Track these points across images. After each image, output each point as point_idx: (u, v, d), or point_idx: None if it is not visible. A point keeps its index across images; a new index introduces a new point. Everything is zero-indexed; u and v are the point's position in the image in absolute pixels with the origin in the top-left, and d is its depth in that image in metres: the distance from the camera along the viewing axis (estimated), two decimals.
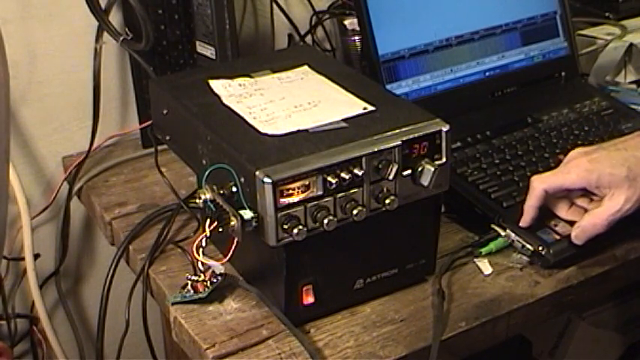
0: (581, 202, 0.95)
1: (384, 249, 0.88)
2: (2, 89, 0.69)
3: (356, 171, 0.79)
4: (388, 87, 1.09)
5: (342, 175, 0.79)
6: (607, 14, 1.45)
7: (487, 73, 1.18)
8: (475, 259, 0.96)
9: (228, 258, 0.85)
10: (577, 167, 0.91)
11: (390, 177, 0.81)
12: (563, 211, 0.95)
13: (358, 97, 0.90)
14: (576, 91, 1.24)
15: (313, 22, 1.36)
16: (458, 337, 0.86)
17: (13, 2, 1.14)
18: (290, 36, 1.36)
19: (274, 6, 1.32)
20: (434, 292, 0.90)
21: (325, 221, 0.79)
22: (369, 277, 0.88)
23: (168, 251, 0.99)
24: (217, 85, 0.93)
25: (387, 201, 0.82)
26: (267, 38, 1.35)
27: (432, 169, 0.83)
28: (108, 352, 1.08)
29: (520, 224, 0.95)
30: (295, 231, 0.78)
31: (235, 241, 0.82)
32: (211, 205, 0.82)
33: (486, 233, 0.98)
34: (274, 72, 0.97)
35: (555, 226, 0.96)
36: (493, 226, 0.98)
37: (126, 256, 1.02)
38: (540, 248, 0.94)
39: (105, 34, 1.17)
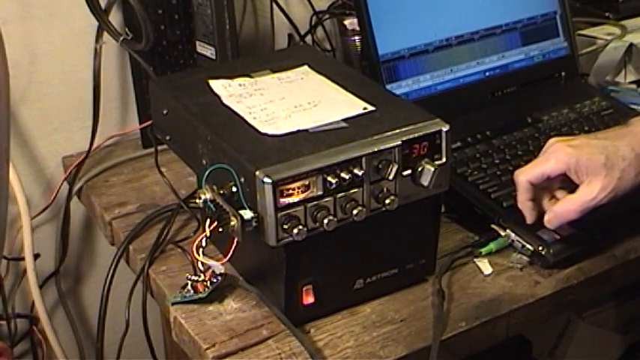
0: (560, 194, 0.94)
1: (384, 249, 0.88)
2: (2, 89, 0.69)
3: (356, 171, 0.79)
4: (388, 87, 1.09)
5: (342, 175, 0.79)
6: (607, 14, 1.45)
7: (487, 73, 1.18)
8: (475, 259, 0.96)
9: (228, 258, 0.85)
10: (556, 152, 0.91)
11: (390, 177, 0.81)
12: (544, 202, 0.95)
13: (358, 97, 0.90)
14: (576, 91, 1.24)
15: (313, 22, 1.36)
16: (458, 337, 0.86)
17: (13, 2, 1.14)
18: (290, 36, 1.36)
19: (274, 6, 1.32)
20: (434, 292, 0.90)
21: (325, 221, 0.79)
22: (369, 277, 0.88)
23: (168, 251, 0.99)
24: (217, 85, 0.93)
25: (387, 201, 0.82)
26: (267, 38, 1.35)
27: (432, 169, 0.83)
28: (108, 352, 1.08)
29: (527, 223, 0.94)
30: (295, 231, 0.78)
31: (235, 241, 0.82)
32: (211, 205, 0.82)
33: (486, 233, 0.98)
34: (274, 72, 0.97)
35: None
36: (493, 226, 0.98)
37: (126, 256, 1.02)
38: (540, 248, 0.94)
39: (105, 34, 1.17)
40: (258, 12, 1.34)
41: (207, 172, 0.83)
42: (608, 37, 1.35)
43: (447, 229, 1.01)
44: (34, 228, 1.20)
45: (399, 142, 0.81)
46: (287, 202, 0.77)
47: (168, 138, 0.97)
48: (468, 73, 1.17)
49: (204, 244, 0.84)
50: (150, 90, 0.98)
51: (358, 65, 1.26)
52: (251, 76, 0.96)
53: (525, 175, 0.92)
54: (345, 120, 0.85)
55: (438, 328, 0.85)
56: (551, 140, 0.93)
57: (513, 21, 1.20)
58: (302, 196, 0.78)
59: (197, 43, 1.19)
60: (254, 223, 0.79)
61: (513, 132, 1.12)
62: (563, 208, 0.91)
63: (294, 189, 0.77)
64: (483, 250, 0.97)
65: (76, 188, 1.17)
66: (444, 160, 0.84)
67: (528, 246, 0.95)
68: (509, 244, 0.97)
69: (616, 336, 1.49)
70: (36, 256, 1.19)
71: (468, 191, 1.02)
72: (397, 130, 0.83)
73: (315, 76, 0.96)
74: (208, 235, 0.82)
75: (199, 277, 0.88)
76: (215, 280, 0.88)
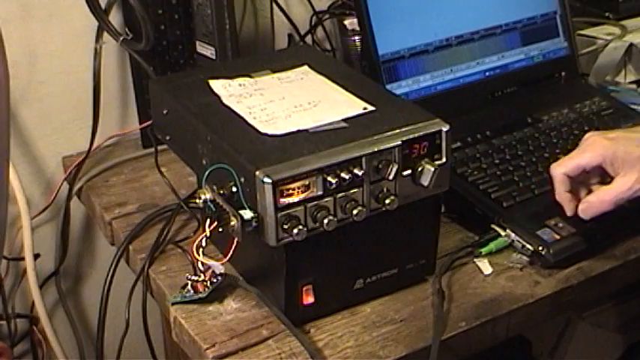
0: (597, 187, 0.94)
1: (384, 249, 0.88)
2: (2, 89, 0.69)
3: (356, 171, 0.79)
4: (388, 87, 1.09)
5: (342, 175, 0.79)
6: (607, 14, 1.45)
7: (487, 73, 1.18)
8: (475, 259, 0.96)
9: (228, 258, 0.85)
10: (593, 145, 0.91)
11: (390, 177, 0.81)
12: (581, 196, 0.94)
13: (358, 97, 0.90)
14: (576, 91, 1.24)
15: (313, 22, 1.36)
16: (458, 337, 0.86)
17: (13, 2, 1.14)
18: (290, 36, 1.36)
19: (274, 6, 1.32)
20: (434, 292, 0.90)
21: (325, 221, 0.79)
22: (369, 277, 0.88)
23: (168, 251, 0.99)
24: (217, 85, 0.93)
25: (387, 201, 0.82)
26: (267, 38, 1.35)
27: (432, 169, 0.83)
28: (108, 352, 1.08)
29: (567, 215, 0.94)
30: (295, 231, 0.78)
31: (235, 241, 0.82)
32: (211, 205, 0.82)
33: (486, 233, 0.98)
34: (274, 72, 0.97)
35: (555, 226, 0.96)
36: (493, 226, 0.98)
37: (126, 256, 1.02)
38: (540, 248, 0.94)
39: (105, 34, 1.17)
40: (258, 12, 1.33)
41: (207, 172, 0.83)
42: (608, 37, 1.35)
43: (447, 229, 1.01)
44: (34, 228, 1.20)
45: (399, 142, 0.81)
46: (287, 202, 0.77)
47: (168, 138, 0.96)
48: (468, 73, 1.17)
49: (204, 244, 0.84)
50: (150, 90, 0.98)
51: (358, 65, 1.26)
52: (251, 76, 0.96)
53: (561, 168, 0.92)
54: (345, 120, 0.85)
55: (438, 328, 0.85)
56: (588, 134, 0.94)
57: (513, 21, 1.20)
58: (302, 196, 0.78)
59: (197, 43, 1.19)
60: (254, 223, 0.79)
61: (513, 132, 1.12)
62: (597, 198, 0.91)
63: (294, 189, 0.77)
64: (483, 250, 0.97)
65: (76, 188, 1.17)
66: (444, 160, 0.84)
67: (528, 246, 0.95)
68: (509, 244, 0.97)
69: (616, 336, 1.49)
70: (36, 256, 1.19)
71: (468, 191, 1.02)
72: (397, 130, 0.83)
73: (315, 76, 0.96)
74: (208, 235, 0.82)
75: (199, 277, 0.88)
76: (215, 280, 0.88)
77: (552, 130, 1.13)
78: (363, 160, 0.80)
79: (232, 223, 0.79)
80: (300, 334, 0.84)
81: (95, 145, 1.19)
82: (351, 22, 1.27)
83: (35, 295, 1.19)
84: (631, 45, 1.32)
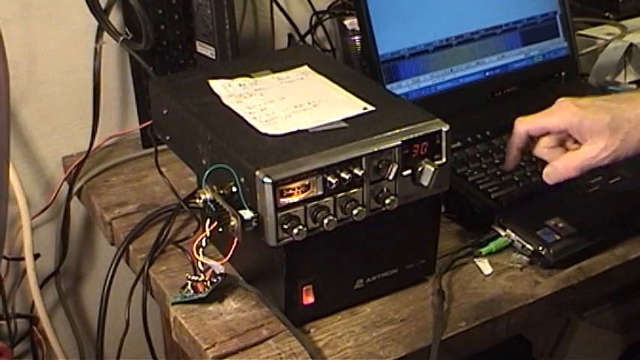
0: (574, 147, 0.92)
1: (384, 249, 0.88)
2: (2, 89, 0.69)
3: (356, 171, 0.79)
4: (388, 87, 1.09)
5: (342, 175, 0.79)
6: (607, 14, 1.45)
7: (487, 73, 1.18)
8: (475, 259, 0.96)
9: (228, 258, 0.85)
10: (561, 109, 0.91)
11: (390, 177, 0.81)
12: (541, 147, 0.93)
13: (358, 97, 0.90)
14: (576, 91, 1.23)
15: (313, 22, 1.36)
16: (458, 337, 0.86)
17: (13, 2, 1.14)
18: (290, 36, 1.36)
19: (274, 6, 1.32)
20: (434, 292, 0.90)
21: (325, 221, 0.79)
22: (369, 277, 0.88)
23: (168, 251, 0.99)
24: (217, 85, 0.93)
25: (387, 201, 0.82)
26: (267, 38, 1.35)
27: (432, 169, 0.83)
28: (108, 352, 1.08)
29: (504, 167, 0.95)
30: (295, 231, 0.78)
31: (235, 241, 0.82)
32: (211, 205, 0.82)
33: (486, 233, 0.98)
34: (274, 72, 0.97)
35: (555, 226, 0.96)
36: (493, 226, 0.98)
37: (126, 256, 1.02)
38: (540, 248, 0.94)
39: (105, 34, 1.17)
40: (258, 12, 1.34)
41: (207, 172, 0.83)
42: (608, 37, 1.35)
43: (447, 229, 1.01)
44: (34, 228, 1.20)
45: (399, 142, 0.81)
46: (287, 202, 0.77)
47: (168, 138, 0.96)
48: (467, 73, 1.17)
49: (204, 244, 0.84)
50: (150, 90, 0.98)
51: (358, 65, 1.26)
52: (251, 76, 0.96)
53: (525, 125, 0.92)
54: (345, 120, 0.85)
55: (438, 328, 0.85)
56: (560, 99, 0.93)
57: (513, 21, 1.20)
58: (302, 196, 0.78)
59: (197, 43, 1.19)
60: (254, 223, 0.79)
61: None
62: (563, 164, 0.90)
63: (294, 189, 0.77)
64: (483, 250, 0.97)
65: (76, 188, 1.17)
66: (444, 160, 0.84)
67: (528, 246, 0.95)
68: (509, 244, 0.97)
69: (616, 336, 1.49)
70: (36, 256, 1.19)
71: (468, 191, 1.02)
72: (397, 130, 0.83)
73: (315, 76, 0.96)
74: (208, 235, 0.82)
75: (199, 277, 0.88)
76: (215, 280, 0.88)
77: None
78: (363, 160, 0.80)
79: (232, 223, 0.79)
80: (300, 334, 0.84)
81: (95, 145, 1.19)
82: (351, 22, 1.27)
83: (35, 295, 1.19)
84: (631, 45, 1.32)
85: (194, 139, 0.88)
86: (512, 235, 0.96)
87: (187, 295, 0.88)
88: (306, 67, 0.98)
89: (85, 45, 1.18)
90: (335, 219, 0.79)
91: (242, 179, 0.79)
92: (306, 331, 0.86)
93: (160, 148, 1.10)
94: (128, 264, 1.03)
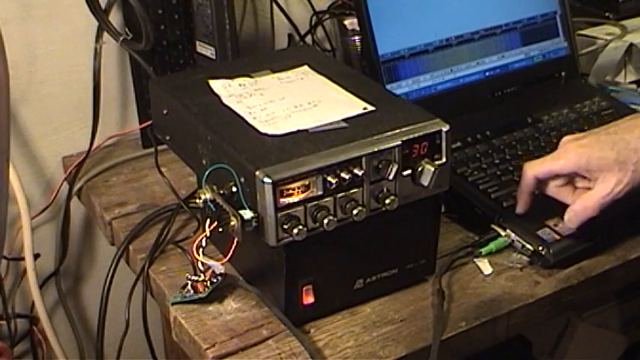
0: (582, 183, 0.94)
1: (384, 249, 0.88)
2: (2, 89, 0.68)
3: (356, 171, 0.79)
4: (388, 87, 1.09)
5: (342, 175, 0.79)
6: (607, 14, 1.45)
7: (487, 73, 1.18)
8: (475, 259, 0.96)
9: (228, 258, 0.85)
10: (566, 152, 0.91)
11: (390, 177, 0.81)
12: (551, 187, 0.94)
13: (358, 97, 0.90)
14: (576, 91, 1.24)
15: (313, 22, 1.36)
16: (458, 337, 0.86)
17: (13, 2, 1.14)
18: (290, 36, 1.36)
19: (274, 6, 1.32)
20: (434, 292, 0.90)
21: (325, 221, 0.79)
22: (369, 277, 0.88)
23: (168, 251, 0.99)
24: (217, 85, 0.93)
25: (387, 201, 0.82)
26: (267, 38, 1.35)
27: (432, 169, 0.83)
28: (108, 352, 1.08)
29: (516, 211, 0.95)
30: (295, 231, 0.78)
31: (235, 241, 0.82)
32: (211, 205, 0.82)
33: (486, 233, 0.98)
34: (274, 72, 0.97)
35: (555, 226, 0.96)
36: (493, 226, 0.98)
37: (126, 256, 1.02)
38: (540, 248, 0.94)
39: (105, 34, 1.17)
40: (258, 12, 1.34)
41: (207, 172, 0.83)
42: (608, 37, 1.35)
43: (447, 229, 1.01)
44: (34, 228, 1.20)
45: (399, 142, 0.81)
46: (287, 202, 0.77)
47: (168, 138, 0.97)
48: (467, 73, 1.17)
49: (204, 244, 0.84)
50: (150, 90, 0.98)
51: (358, 65, 1.26)
52: (251, 76, 0.96)
53: (533, 171, 0.93)
54: (345, 120, 0.85)
55: (438, 328, 0.85)
56: (564, 139, 0.94)
57: (513, 21, 1.20)
58: (302, 196, 0.78)
59: (197, 43, 1.19)
60: (254, 223, 0.79)
61: (513, 132, 1.12)
62: (580, 206, 0.91)
63: (294, 189, 0.77)
64: (483, 250, 0.97)
65: (76, 188, 1.17)
66: (444, 160, 0.84)
67: (528, 246, 0.95)
68: (509, 244, 0.97)
69: (616, 336, 1.49)
70: (36, 256, 1.19)
71: (468, 191, 1.02)
72: (397, 130, 0.83)
73: (315, 76, 0.96)
74: (208, 235, 0.82)
75: (199, 277, 0.88)
76: (215, 280, 0.88)
77: (552, 130, 1.13)
78: (363, 160, 0.80)
79: (232, 223, 0.79)
80: (300, 334, 0.84)
81: (95, 145, 1.19)
82: (351, 22, 1.27)
83: (35, 295, 1.19)
84: (631, 45, 1.32)
85: (194, 139, 0.88)
86: (512, 235, 0.96)
87: (187, 295, 0.88)
88: (306, 67, 0.98)
89: (85, 45, 1.18)
90: (335, 219, 0.79)
91: (242, 179, 0.79)
92: (306, 331, 0.86)
93: (160, 148, 1.10)
94: (128, 264, 1.03)
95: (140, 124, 1.23)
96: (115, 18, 1.19)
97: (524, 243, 0.95)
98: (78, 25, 1.18)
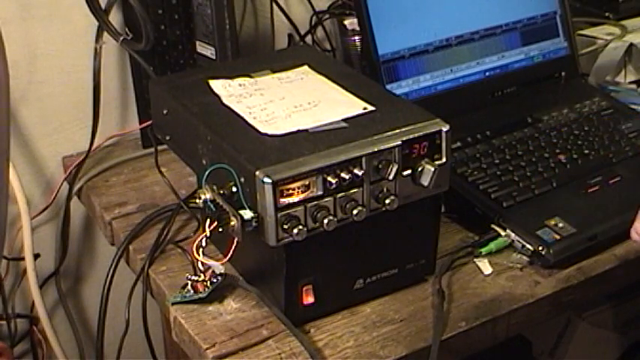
0: None
1: (384, 249, 0.88)
2: (2, 89, 0.68)
3: (356, 171, 0.79)
4: (388, 87, 1.09)
5: (342, 175, 0.79)
6: (607, 14, 1.45)
7: (487, 73, 1.18)
8: (475, 259, 0.96)
9: (228, 258, 0.85)
10: None
11: (390, 177, 0.81)
12: None
13: (358, 97, 0.90)
14: (576, 91, 1.24)
15: (313, 22, 1.36)
16: (458, 337, 0.86)
17: (13, 2, 1.14)
18: (290, 36, 1.36)
19: (274, 6, 1.32)
20: (434, 292, 0.90)
21: (325, 221, 0.79)
22: (369, 277, 0.88)
23: (168, 251, 0.99)
24: (217, 85, 0.93)
25: (387, 201, 0.82)
26: (267, 38, 1.35)
27: (432, 169, 0.83)
28: (108, 352, 1.08)
29: None
30: (295, 231, 0.78)
31: (235, 241, 0.82)
32: (211, 205, 0.82)
33: (486, 233, 0.98)
34: (274, 72, 0.97)
35: (555, 226, 0.96)
36: (493, 226, 0.98)
37: (126, 256, 1.02)
38: (540, 248, 0.94)
39: (105, 34, 1.17)
40: (258, 12, 1.34)
41: (207, 172, 0.83)
42: (608, 37, 1.35)
43: (447, 229, 1.01)
44: (34, 228, 1.20)
45: (399, 142, 0.81)
46: (287, 202, 0.77)
47: (168, 138, 0.97)
48: (468, 73, 1.17)
49: (204, 244, 0.84)
50: (150, 90, 0.98)
51: (358, 65, 1.26)
52: (251, 76, 0.96)
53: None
54: (345, 120, 0.85)
55: (438, 328, 0.85)
56: None
57: (513, 21, 1.20)
58: (302, 196, 0.78)
59: (197, 43, 1.19)
60: (254, 223, 0.79)
61: (513, 132, 1.12)
62: None
63: (294, 189, 0.77)
64: (483, 250, 0.97)
65: (76, 188, 1.17)
66: (444, 160, 0.84)
67: (528, 246, 0.95)
68: (509, 244, 0.97)
69: (616, 336, 1.49)
70: (36, 256, 1.19)
71: (468, 191, 1.02)
72: (397, 130, 0.83)
73: (315, 76, 0.96)
74: (208, 235, 0.82)
75: (199, 277, 0.88)
76: (215, 280, 0.88)
77: (552, 130, 1.13)
78: (363, 160, 0.80)
79: (232, 223, 0.79)
80: (300, 334, 0.84)
81: (95, 145, 1.19)
82: (351, 22, 1.27)
83: (35, 295, 1.19)
84: (631, 45, 1.32)
85: (194, 139, 0.88)
86: (512, 235, 0.96)
87: (187, 295, 0.88)
88: (306, 67, 0.98)
89: (85, 45, 1.18)
90: (335, 219, 0.79)
91: (242, 179, 0.79)
92: (306, 331, 0.86)
93: (160, 148, 1.10)
94: (128, 264, 1.03)
95: (140, 124, 1.23)
96: (115, 18, 1.19)
97: (524, 243, 0.95)
98: (78, 25, 1.18)
